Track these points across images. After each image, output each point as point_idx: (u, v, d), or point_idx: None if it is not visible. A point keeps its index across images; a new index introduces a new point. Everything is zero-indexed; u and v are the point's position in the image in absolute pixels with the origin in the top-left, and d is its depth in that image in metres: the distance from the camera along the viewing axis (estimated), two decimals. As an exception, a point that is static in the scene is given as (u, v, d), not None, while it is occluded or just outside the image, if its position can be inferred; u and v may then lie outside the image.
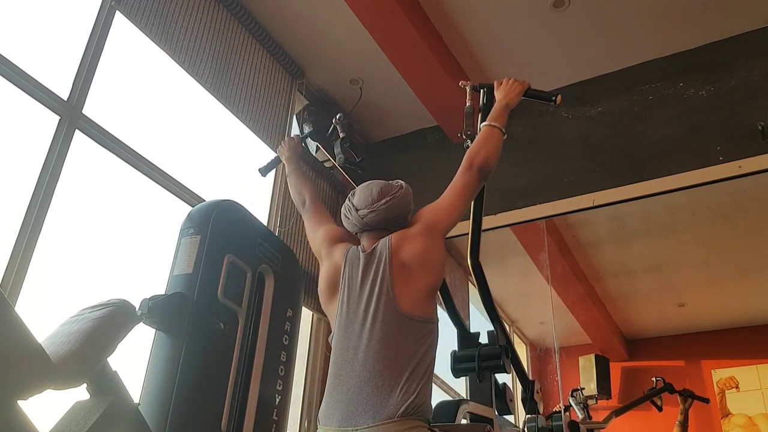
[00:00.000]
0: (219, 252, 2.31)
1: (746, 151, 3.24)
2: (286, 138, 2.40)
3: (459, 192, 1.78)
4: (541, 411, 2.42)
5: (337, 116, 2.38)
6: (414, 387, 1.47)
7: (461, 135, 2.09)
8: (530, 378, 2.39)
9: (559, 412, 2.83)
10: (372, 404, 1.45)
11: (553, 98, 2.04)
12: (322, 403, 1.58)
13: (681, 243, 4.71)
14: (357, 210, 1.78)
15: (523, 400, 2.37)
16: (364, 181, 1.88)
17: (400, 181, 1.84)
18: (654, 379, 4.71)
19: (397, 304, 1.58)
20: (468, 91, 2.16)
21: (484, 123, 1.91)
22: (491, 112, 1.95)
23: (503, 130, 1.90)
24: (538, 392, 2.35)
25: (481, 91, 2.17)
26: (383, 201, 1.76)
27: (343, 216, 1.84)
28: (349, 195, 1.85)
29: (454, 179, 1.81)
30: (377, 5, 3.23)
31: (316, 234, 1.96)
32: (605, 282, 5.16)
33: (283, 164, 2.31)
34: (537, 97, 2.07)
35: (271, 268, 2.61)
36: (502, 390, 2.31)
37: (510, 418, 2.63)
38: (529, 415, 2.42)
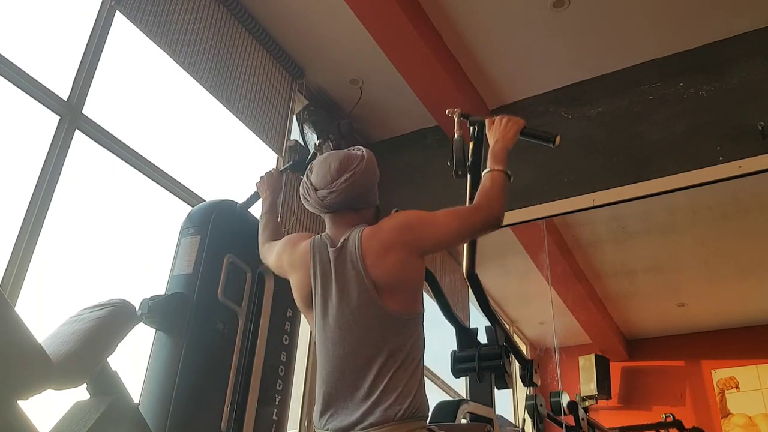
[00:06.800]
0: (219, 252, 2.30)
1: (746, 151, 3.24)
2: (265, 174, 2.29)
3: (459, 228, 1.59)
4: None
5: (316, 142, 2.31)
6: (409, 388, 1.43)
7: (454, 172, 1.94)
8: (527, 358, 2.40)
9: (558, 391, 2.86)
10: (367, 408, 1.42)
11: (552, 139, 1.89)
12: (315, 408, 1.53)
13: (681, 243, 4.72)
14: (316, 190, 1.63)
15: (522, 377, 2.37)
16: None
17: (361, 150, 1.68)
18: (664, 415, 4.70)
19: (380, 304, 1.49)
20: (456, 120, 1.98)
21: (486, 171, 1.74)
22: (490, 155, 1.77)
23: (509, 173, 1.73)
24: (536, 371, 2.36)
25: (472, 128, 2.02)
26: (343, 179, 1.60)
27: (302, 197, 1.69)
28: (307, 170, 1.70)
29: (461, 214, 1.63)
30: (377, 5, 3.23)
31: (272, 256, 1.85)
32: (605, 282, 5.17)
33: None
34: (534, 138, 1.92)
35: (271, 268, 2.60)
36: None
37: (508, 392, 2.64)
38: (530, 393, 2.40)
